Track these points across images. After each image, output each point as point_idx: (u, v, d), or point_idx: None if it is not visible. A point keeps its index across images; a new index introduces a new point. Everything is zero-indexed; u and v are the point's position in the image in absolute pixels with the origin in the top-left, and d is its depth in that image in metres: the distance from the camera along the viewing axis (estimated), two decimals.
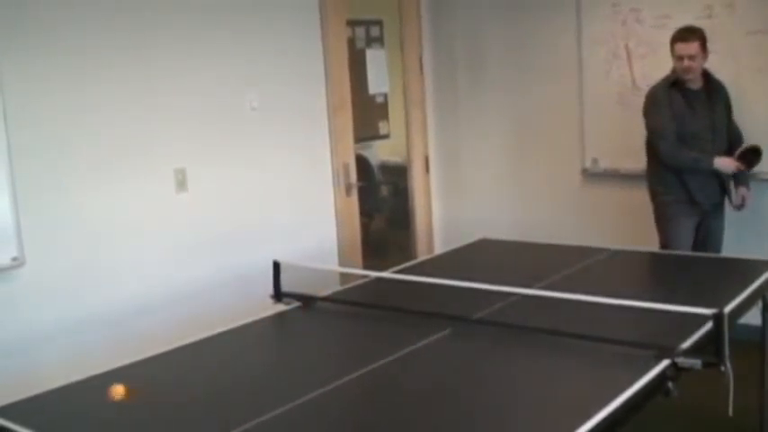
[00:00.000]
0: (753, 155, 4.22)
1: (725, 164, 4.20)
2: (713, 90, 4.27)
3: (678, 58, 4.14)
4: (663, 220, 4.37)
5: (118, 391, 2.21)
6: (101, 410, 2.25)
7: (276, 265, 3.21)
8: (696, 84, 4.23)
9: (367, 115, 5.87)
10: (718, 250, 4.39)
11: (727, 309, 2.39)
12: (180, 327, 3.77)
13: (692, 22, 4.46)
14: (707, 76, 4.26)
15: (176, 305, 3.97)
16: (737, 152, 4.24)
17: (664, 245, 4.34)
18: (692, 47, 4.09)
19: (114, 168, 3.75)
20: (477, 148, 5.64)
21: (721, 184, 4.32)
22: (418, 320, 2.83)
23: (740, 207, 4.39)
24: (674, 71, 4.23)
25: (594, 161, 5.12)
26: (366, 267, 5.00)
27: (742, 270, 3.47)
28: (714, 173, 4.23)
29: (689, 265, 3.80)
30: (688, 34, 4.13)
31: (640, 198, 4.76)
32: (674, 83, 4.22)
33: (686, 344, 2.37)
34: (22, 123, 3.36)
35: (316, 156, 4.83)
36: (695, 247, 4.32)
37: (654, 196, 4.44)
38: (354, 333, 2.94)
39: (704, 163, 4.20)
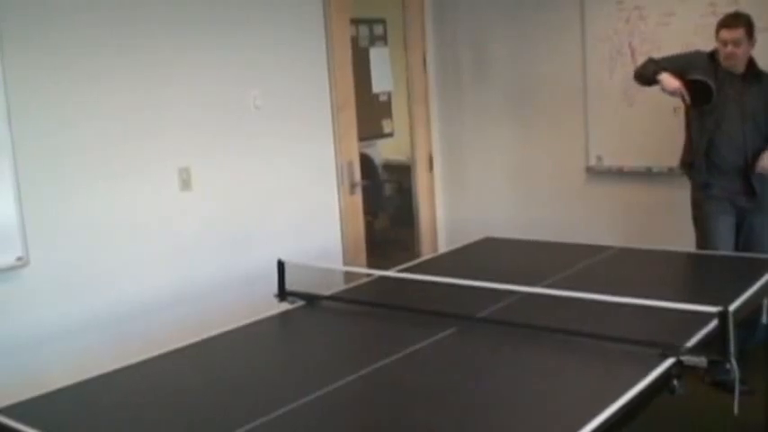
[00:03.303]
0: (701, 89, 4.03)
1: (667, 81, 4.04)
2: (752, 78, 4.08)
3: (722, 43, 4.01)
4: (698, 218, 4.21)
5: None
6: (105, 410, 2.25)
7: (281, 265, 3.21)
8: (737, 70, 4.06)
9: (371, 114, 5.88)
10: (762, 251, 4.08)
11: (733, 306, 2.38)
12: (184, 326, 3.78)
13: (696, 19, 4.46)
14: (751, 64, 4.10)
15: (180, 304, 3.98)
16: (688, 79, 4.06)
17: (700, 245, 4.17)
18: (737, 32, 3.96)
19: (118, 168, 3.75)
20: (481, 146, 5.64)
21: (748, 181, 4.09)
22: (423, 319, 2.83)
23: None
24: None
25: (599, 159, 5.11)
26: (370, 266, 5.00)
27: (748, 268, 3.46)
28: (740, 172, 4.08)
29: (695, 262, 3.80)
30: (733, 20, 4.00)
31: (645, 195, 4.76)
32: (711, 55, 4.09)
33: (691, 342, 2.36)
34: (26, 123, 3.36)
35: (320, 154, 4.83)
36: (737, 249, 4.13)
37: (691, 192, 4.28)
38: (359, 332, 2.94)
39: (649, 70, 4.12)
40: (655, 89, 4.21)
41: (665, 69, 4.11)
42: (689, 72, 4.10)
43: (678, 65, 4.15)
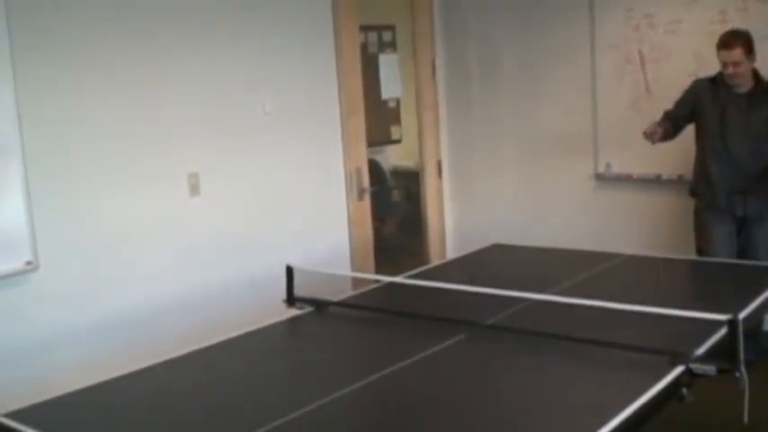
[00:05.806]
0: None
1: (648, 129, 4.12)
2: (758, 94, 4.05)
3: (723, 64, 4.00)
4: (699, 227, 4.27)
5: None
6: (114, 415, 2.26)
7: (289, 270, 3.21)
8: (743, 88, 4.05)
9: (379, 120, 5.89)
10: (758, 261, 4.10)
11: (742, 314, 2.37)
12: (193, 331, 3.77)
13: (705, 27, 4.45)
14: (758, 81, 4.06)
15: (189, 309, 3.98)
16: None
17: (699, 252, 4.22)
18: (735, 53, 3.93)
19: (128, 173, 3.76)
20: (490, 152, 5.63)
21: (748, 196, 4.11)
22: (431, 326, 2.83)
23: None
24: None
25: (608, 166, 5.11)
26: (378, 272, 5.00)
27: (757, 275, 3.45)
28: (741, 188, 4.10)
29: (703, 270, 3.79)
30: (730, 39, 3.96)
31: (654, 203, 4.74)
32: (714, 80, 4.11)
33: (700, 350, 2.36)
34: (36, 128, 3.38)
35: (328, 160, 4.84)
36: (736, 257, 4.14)
37: (695, 201, 4.34)
38: (367, 338, 2.94)
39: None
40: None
41: (671, 119, 4.21)
42: (706, 110, 4.14)
43: (684, 104, 4.22)
